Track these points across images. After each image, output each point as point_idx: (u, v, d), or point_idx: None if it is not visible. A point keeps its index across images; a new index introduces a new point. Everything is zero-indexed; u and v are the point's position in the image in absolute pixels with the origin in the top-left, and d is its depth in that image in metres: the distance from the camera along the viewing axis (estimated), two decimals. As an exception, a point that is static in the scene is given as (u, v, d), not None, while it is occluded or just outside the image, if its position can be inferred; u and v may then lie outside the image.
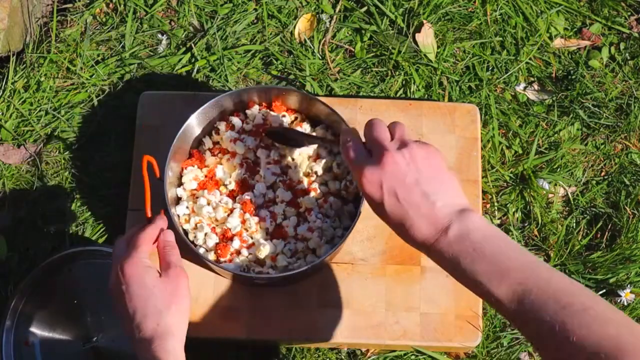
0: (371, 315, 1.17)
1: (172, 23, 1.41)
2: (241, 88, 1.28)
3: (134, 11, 1.40)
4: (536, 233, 1.30)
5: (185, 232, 1.14)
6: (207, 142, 1.18)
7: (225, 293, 1.17)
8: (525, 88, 1.39)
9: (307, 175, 1.16)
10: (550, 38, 1.42)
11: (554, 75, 1.40)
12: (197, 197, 1.15)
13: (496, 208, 1.30)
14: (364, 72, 1.38)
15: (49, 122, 1.33)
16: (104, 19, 1.41)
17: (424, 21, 1.39)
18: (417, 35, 1.38)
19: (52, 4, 1.42)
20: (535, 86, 1.40)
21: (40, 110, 1.33)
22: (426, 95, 1.36)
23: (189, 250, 1.08)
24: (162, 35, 1.39)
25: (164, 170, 1.08)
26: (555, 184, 1.33)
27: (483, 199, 1.27)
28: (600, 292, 1.26)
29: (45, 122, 1.33)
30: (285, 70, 1.37)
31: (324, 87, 1.36)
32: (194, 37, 1.39)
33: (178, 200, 1.16)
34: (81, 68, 1.36)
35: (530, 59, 1.40)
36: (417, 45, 1.38)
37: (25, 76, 1.34)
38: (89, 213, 1.28)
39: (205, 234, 1.13)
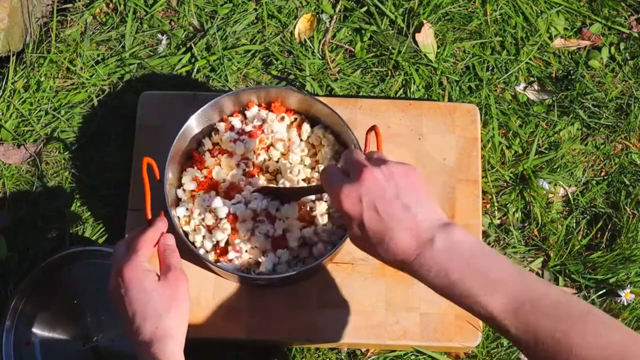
0: (371, 315, 1.17)
1: (172, 23, 1.41)
2: (241, 88, 1.28)
3: (134, 11, 1.40)
4: (536, 233, 1.30)
5: (186, 234, 1.14)
6: (207, 143, 1.18)
7: (225, 293, 1.17)
8: (525, 88, 1.39)
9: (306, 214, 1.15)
10: (550, 38, 1.42)
11: (554, 75, 1.40)
12: (196, 199, 1.15)
13: (496, 208, 1.30)
14: (364, 72, 1.38)
15: (49, 122, 1.33)
16: (104, 19, 1.40)
17: (424, 21, 1.39)
18: (417, 35, 1.38)
19: (52, 4, 1.41)
20: (535, 86, 1.40)
21: (40, 110, 1.33)
22: (426, 95, 1.36)
23: (189, 252, 1.08)
24: (162, 35, 1.39)
25: (164, 172, 1.09)
26: (555, 184, 1.33)
27: (483, 199, 1.27)
28: (600, 292, 1.26)
29: (45, 122, 1.33)
30: (285, 70, 1.37)
31: (324, 87, 1.36)
32: (194, 37, 1.39)
33: (178, 201, 1.16)
34: (81, 68, 1.36)
35: (530, 59, 1.40)
36: (417, 45, 1.38)
37: (25, 76, 1.34)
38: (89, 213, 1.28)
39: (204, 236, 1.13)
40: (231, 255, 1.11)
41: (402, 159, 1.25)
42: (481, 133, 1.29)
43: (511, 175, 1.32)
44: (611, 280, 1.26)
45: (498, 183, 1.32)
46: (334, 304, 1.18)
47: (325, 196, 1.14)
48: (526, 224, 1.30)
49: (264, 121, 1.17)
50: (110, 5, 1.41)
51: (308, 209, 1.14)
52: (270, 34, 1.39)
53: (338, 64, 1.38)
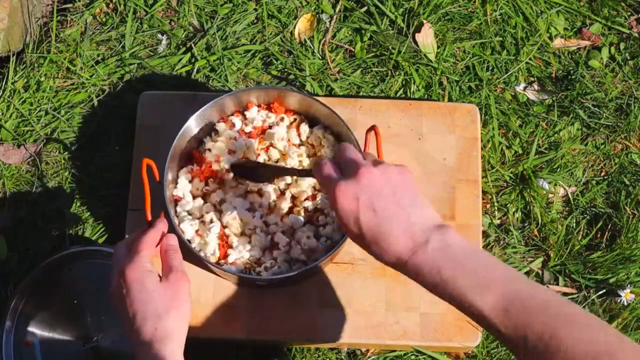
0: (371, 315, 1.17)
1: (172, 23, 1.41)
2: (240, 89, 1.28)
3: (134, 11, 1.40)
4: (536, 233, 1.30)
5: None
6: (208, 143, 1.18)
7: (225, 293, 1.17)
8: (525, 88, 1.39)
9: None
10: (550, 38, 1.42)
11: (554, 75, 1.40)
12: (195, 198, 1.15)
13: (496, 208, 1.30)
14: (364, 72, 1.38)
15: (49, 122, 1.33)
16: (104, 19, 1.40)
17: (424, 21, 1.39)
18: (417, 35, 1.38)
19: (52, 4, 1.41)
20: (535, 86, 1.40)
21: (40, 110, 1.33)
22: (426, 95, 1.36)
23: (189, 252, 1.08)
24: (162, 35, 1.39)
25: (164, 173, 1.09)
26: (555, 184, 1.33)
27: (483, 199, 1.27)
28: (600, 292, 1.26)
29: (45, 122, 1.33)
30: (285, 70, 1.37)
31: (324, 87, 1.36)
32: (194, 37, 1.39)
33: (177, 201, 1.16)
34: (81, 68, 1.36)
35: (530, 59, 1.40)
36: (417, 45, 1.38)
37: (25, 76, 1.34)
38: (89, 213, 1.28)
39: (204, 237, 1.13)
40: (231, 258, 1.11)
41: (402, 159, 1.26)
42: (481, 133, 1.29)
43: (511, 175, 1.32)
44: (611, 280, 1.26)
45: (498, 183, 1.32)
46: (333, 304, 1.18)
47: (306, 183, 1.14)
48: (526, 224, 1.30)
49: (265, 129, 1.17)
50: (110, 5, 1.41)
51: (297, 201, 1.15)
52: (270, 34, 1.39)
53: (338, 64, 1.38)
